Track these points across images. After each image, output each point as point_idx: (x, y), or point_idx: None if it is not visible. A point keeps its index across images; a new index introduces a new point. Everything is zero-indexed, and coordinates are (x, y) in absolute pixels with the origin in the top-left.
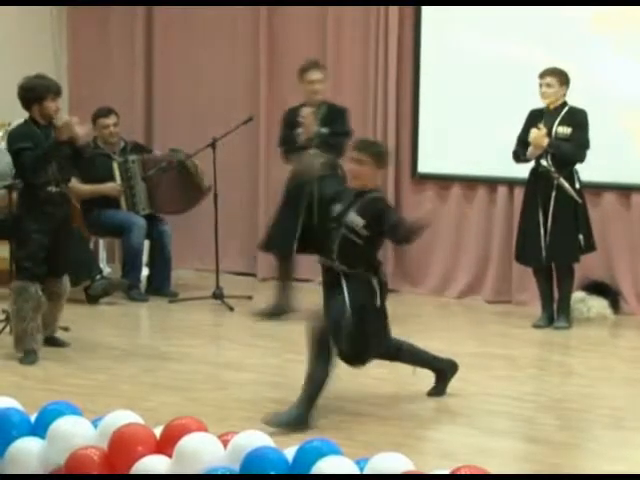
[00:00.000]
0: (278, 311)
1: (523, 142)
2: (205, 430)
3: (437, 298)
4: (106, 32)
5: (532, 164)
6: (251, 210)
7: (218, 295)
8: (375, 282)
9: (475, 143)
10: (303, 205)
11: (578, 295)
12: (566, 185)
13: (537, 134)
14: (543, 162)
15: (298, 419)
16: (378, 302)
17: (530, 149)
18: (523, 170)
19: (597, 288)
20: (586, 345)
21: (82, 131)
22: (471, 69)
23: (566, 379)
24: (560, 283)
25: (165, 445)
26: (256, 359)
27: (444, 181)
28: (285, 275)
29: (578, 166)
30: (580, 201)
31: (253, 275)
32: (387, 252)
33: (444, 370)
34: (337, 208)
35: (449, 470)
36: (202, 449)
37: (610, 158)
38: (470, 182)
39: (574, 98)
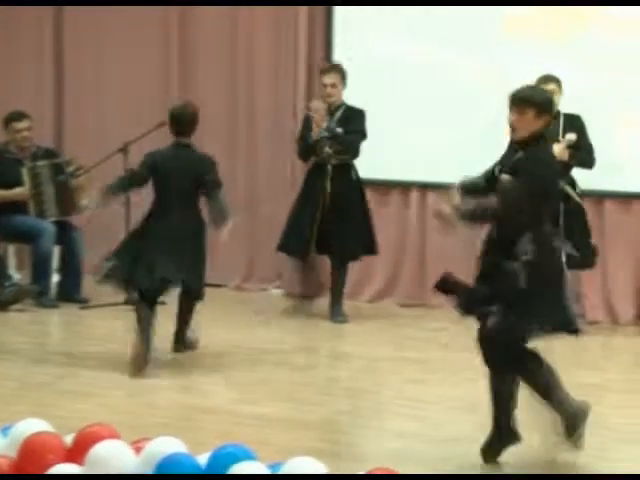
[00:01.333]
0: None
1: None
2: (117, 437)
3: (351, 302)
4: (14, 34)
5: None
6: None
7: (131, 301)
8: None
9: (387, 147)
10: (319, 204)
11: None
12: (571, 192)
13: (561, 149)
14: None
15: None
16: None
17: None
18: (436, 174)
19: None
20: None
21: None
22: (384, 71)
23: (480, 382)
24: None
25: (76, 453)
26: (169, 365)
27: (381, 187)
28: (303, 276)
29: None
30: (583, 206)
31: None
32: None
33: None
34: None
35: (363, 473)
36: (114, 457)
37: None
38: (383, 186)
39: (487, 99)
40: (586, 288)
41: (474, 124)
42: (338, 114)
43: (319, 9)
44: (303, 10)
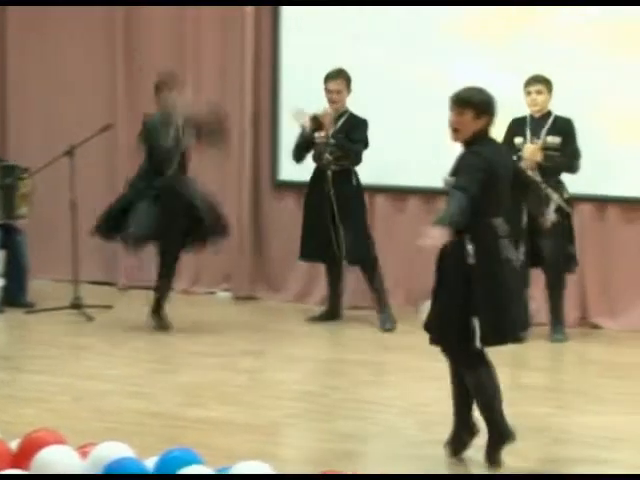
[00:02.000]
0: (329, 317)
1: None
2: (63, 442)
3: (299, 305)
4: None
5: None
6: None
7: (76, 305)
8: None
9: None
10: (327, 208)
11: (427, 304)
12: (554, 196)
13: (533, 149)
14: (529, 173)
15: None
16: None
17: (523, 163)
18: (385, 177)
19: None
20: None
21: None
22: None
23: (429, 383)
24: (551, 293)
25: (22, 458)
26: (116, 369)
27: (304, 188)
28: (331, 281)
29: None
30: (570, 210)
31: (113, 284)
32: (247, 259)
33: None
34: None
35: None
36: (59, 462)
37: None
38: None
39: (430, 103)
40: (532, 290)
41: (417, 125)
42: (341, 121)
43: (266, 9)
44: (249, 10)
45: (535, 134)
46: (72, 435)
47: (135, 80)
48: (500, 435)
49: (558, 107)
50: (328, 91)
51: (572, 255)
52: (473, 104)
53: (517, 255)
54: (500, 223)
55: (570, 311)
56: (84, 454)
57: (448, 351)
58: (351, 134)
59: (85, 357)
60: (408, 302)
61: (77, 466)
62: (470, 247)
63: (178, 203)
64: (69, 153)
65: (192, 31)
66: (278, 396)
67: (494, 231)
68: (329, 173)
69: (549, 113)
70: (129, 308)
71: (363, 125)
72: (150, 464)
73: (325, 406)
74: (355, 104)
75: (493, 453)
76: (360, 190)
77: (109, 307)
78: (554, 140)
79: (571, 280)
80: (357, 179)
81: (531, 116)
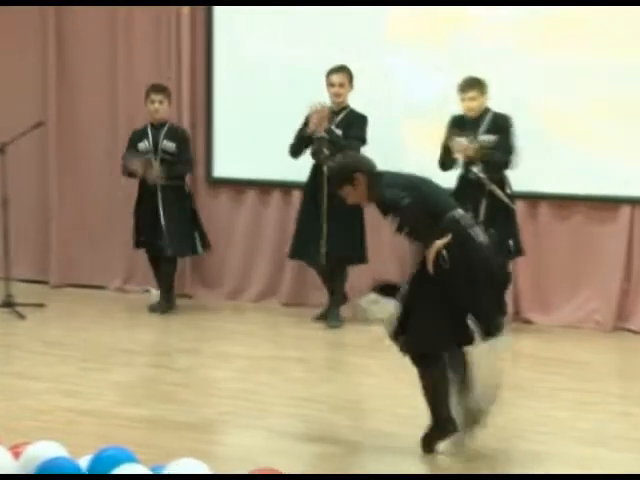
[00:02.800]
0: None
1: (447, 149)
2: None
3: (233, 302)
4: None
5: (460, 171)
6: (42, 216)
7: (8, 303)
8: None
9: (269, 147)
10: (321, 206)
11: (371, 297)
12: (498, 192)
13: (464, 145)
14: (474, 169)
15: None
16: None
17: (457, 157)
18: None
19: (387, 289)
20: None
21: None
22: (264, 72)
23: (361, 379)
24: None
25: None
26: (49, 368)
27: (239, 185)
28: (324, 281)
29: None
30: (513, 207)
31: (46, 282)
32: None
33: None
34: None
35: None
36: None
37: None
38: (265, 186)
39: (356, 100)
40: None
41: None
42: (341, 116)
43: (200, 9)
44: (186, 11)
45: (471, 133)
46: (4, 434)
47: (67, 79)
48: (444, 429)
49: (491, 105)
50: (331, 84)
51: (515, 248)
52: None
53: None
54: (461, 215)
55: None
56: (16, 454)
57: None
58: (349, 130)
59: (17, 355)
60: None
61: (9, 466)
62: (444, 252)
63: None
64: (0, 150)
65: (124, 31)
66: (212, 394)
67: (460, 224)
68: (325, 169)
69: (486, 111)
70: (61, 306)
71: (362, 121)
72: (84, 463)
73: (260, 403)
74: (289, 105)
75: (431, 442)
76: None
77: (41, 305)
78: (489, 138)
79: None
80: None
81: (469, 115)
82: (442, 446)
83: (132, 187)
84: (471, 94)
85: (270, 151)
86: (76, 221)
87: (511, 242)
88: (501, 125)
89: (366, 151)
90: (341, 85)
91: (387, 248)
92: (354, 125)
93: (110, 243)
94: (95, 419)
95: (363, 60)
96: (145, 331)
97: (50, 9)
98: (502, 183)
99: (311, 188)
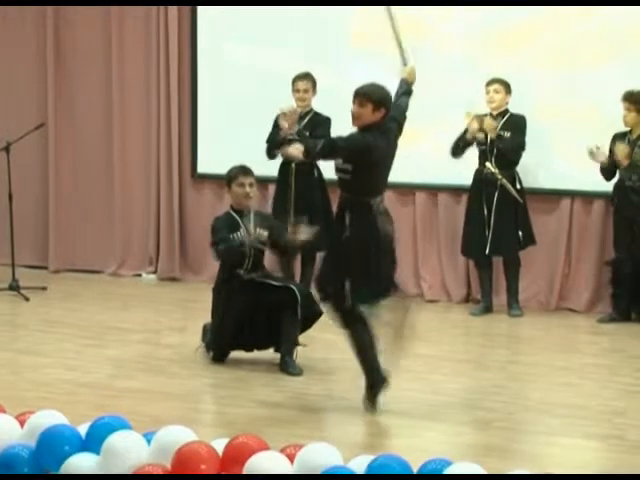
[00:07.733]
0: None
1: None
2: (3, 411)
3: None
4: None
5: (477, 167)
6: (42, 208)
7: (14, 287)
8: None
9: (248, 146)
10: (289, 200)
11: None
12: (509, 186)
13: (490, 123)
14: (488, 165)
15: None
16: None
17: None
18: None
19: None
20: None
21: None
22: (245, 73)
23: (336, 355)
24: (507, 273)
25: None
26: (51, 345)
27: (221, 180)
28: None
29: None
30: (521, 201)
31: (45, 268)
32: (170, 244)
33: None
34: None
35: (229, 438)
36: None
37: None
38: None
39: (321, 105)
40: (424, 271)
41: None
42: (307, 119)
43: (185, 9)
44: (173, 10)
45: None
46: (11, 404)
47: (64, 80)
48: (376, 381)
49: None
50: (297, 90)
51: (525, 238)
52: (371, 99)
53: (393, 230)
54: (378, 202)
55: (459, 289)
56: (22, 422)
57: (330, 310)
58: (315, 131)
59: (22, 334)
60: None
61: (16, 432)
62: (347, 221)
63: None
64: (5, 149)
65: (117, 32)
66: (198, 368)
67: (371, 208)
68: (293, 166)
69: (506, 111)
70: (61, 289)
71: (327, 123)
72: (83, 430)
73: (245, 376)
74: (268, 105)
75: (371, 397)
76: (322, 182)
77: (43, 288)
78: (505, 134)
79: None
80: (319, 172)
81: (490, 113)
82: (381, 398)
83: (125, 180)
84: (495, 86)
85: (249, 149)
86: (74, 213)
87: (521, 233)
88: (516, 123)
89: None
90: (305, 91)
91: None
92: (320, 126)
93: (105, 232)
94: (93, 390)
95: (330, 69)
96: (138, 311)
97: (49, 24)
98: (513, 179)
99: (281, 184)
